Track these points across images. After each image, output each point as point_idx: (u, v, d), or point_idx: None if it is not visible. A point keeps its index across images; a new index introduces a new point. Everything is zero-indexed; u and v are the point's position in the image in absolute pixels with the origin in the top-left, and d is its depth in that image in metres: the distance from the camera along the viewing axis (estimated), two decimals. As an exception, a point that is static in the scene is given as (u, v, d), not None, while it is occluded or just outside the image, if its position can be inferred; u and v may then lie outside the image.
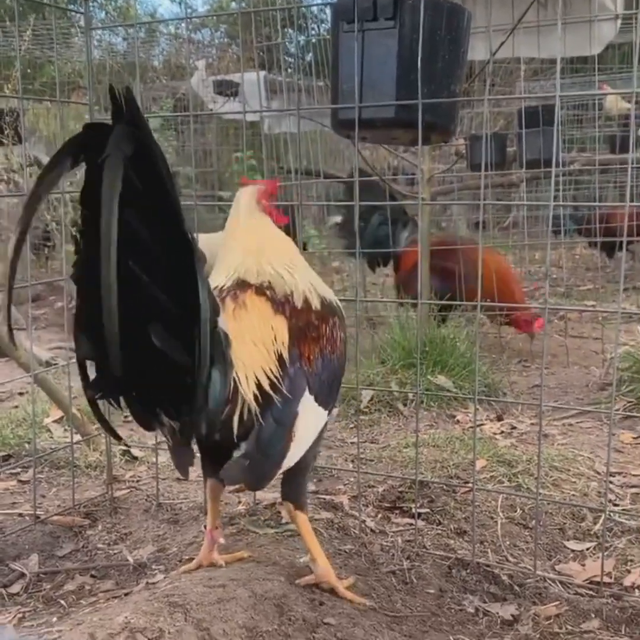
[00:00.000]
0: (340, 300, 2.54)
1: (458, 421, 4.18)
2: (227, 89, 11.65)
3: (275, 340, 2.19)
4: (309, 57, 7.50)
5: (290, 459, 2.15)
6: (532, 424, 4.09)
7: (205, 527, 2.50)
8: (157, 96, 11.66)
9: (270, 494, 3.11)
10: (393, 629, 2.18)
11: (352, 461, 3.52)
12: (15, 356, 3.28)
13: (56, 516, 3.00)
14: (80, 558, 2.74)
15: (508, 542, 2.78)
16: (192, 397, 1.86)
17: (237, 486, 2.30)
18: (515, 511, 2.97)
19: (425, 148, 5.22)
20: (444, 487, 3.14)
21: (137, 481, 3.31)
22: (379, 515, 2.97)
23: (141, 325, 1.75)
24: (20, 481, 3.40)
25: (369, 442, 3.85)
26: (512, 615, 2.37)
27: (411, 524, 2.86)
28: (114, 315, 1.65)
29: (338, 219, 9.21)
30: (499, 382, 4.66)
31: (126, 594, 2.32)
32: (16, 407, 4.37)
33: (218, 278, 2.33)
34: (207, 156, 11.75)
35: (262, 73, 6.68)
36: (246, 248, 2.39)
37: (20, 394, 4.67)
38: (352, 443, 3.79)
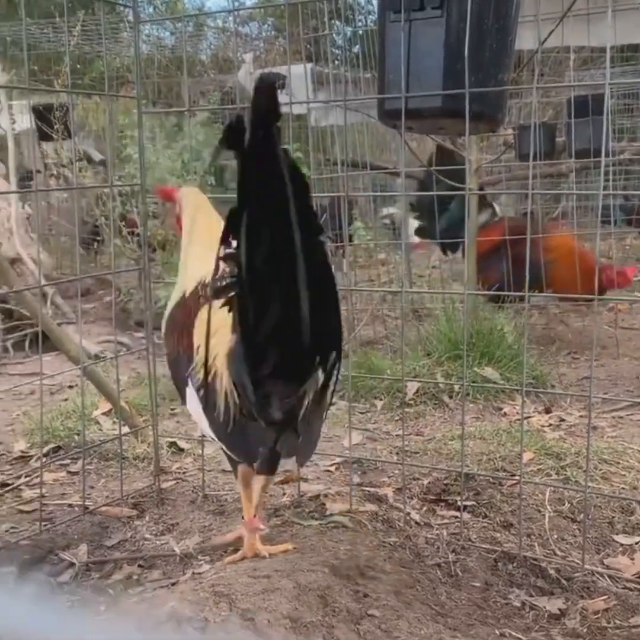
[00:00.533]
0: (386, 291, 2.55)
1: (505, 413, 4.15)
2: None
3: None
4: (356, 48, 7.48)
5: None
6: (581, 416, 4.04)
7: (243, 517, 2.52)
8: (204, 90, 11.71)
9: (314, 486, 3.11)
10: (437, 621, 2.17)
11: (397, 453, 3.51)
12: (65, 349, 3.32)
13: (105, 507, 3.03)
14: (128, 548, 2.76)
15: (555, 536, 2.75)
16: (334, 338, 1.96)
17: (268, 472, 2.29)
18: (563, 504, 2.94)
19: (472, 138, 5.18)
20: (490, 479, 3.12)
21: (184, 473, 3.33)
22: (424, 508, 2.96)
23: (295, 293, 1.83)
24: (69, 472, 3.44)
25: (414, 435, 3.84)
26: (560, 609, 2.35)
27: (457, 517, 2.84)
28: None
29: (392, 210, 9.20)
30: (548, 374, 4.61)
31: (173, 584, 2.34)
32: (66, 399, 4.42)
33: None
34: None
35: (309, 65, 6.67)
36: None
37: (70, 386, 4.73)
38: (397, 435, 3.78)
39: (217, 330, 2.08)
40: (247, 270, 1.83)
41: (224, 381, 2.12)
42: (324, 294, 1.89)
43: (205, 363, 2.16)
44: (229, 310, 1.93)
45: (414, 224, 9.21)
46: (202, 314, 2.31)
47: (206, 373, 2.16)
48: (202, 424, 2.25)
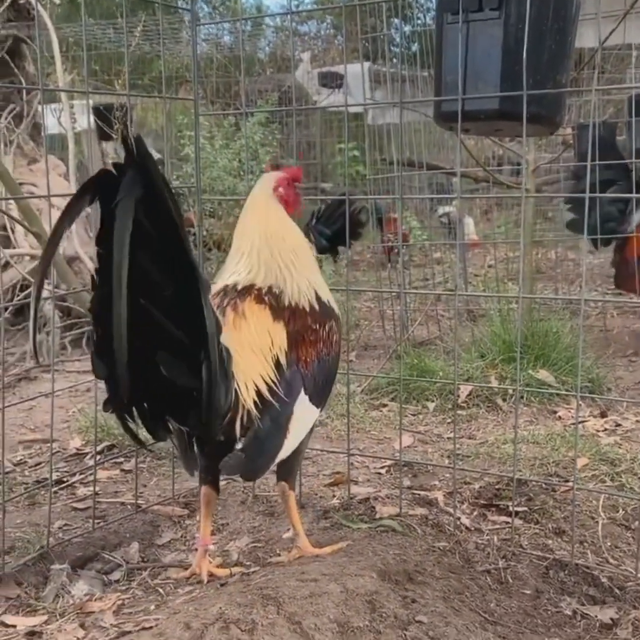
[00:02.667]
0: (440, 292, 2.58)
1: (560, 417, 4.09)
2: (331, 81, 11.68)
3: (273, 346, 2.35)
4: (414, 47, 7.45)
5: (284, 453, 2.34)
6: (637, 421, 3.97)
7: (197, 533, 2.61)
8: (262, 89, 11.77)
9: (364, 488, 3.11)
10: (486, 629, 2.15)
11: (448, 457, 3.50)
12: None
13: (156, 505, 3.06)
14: (178, 547, 2.78)
15: (609, 544, 2.71)
16: (198, 409, 2.10)
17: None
18: (618, 511, 2.90)
19: (530, 138, 5.13)
20: (543, 485, 3.08)
21: (234, 473, 3.35)
22: (475, 513, 2.94)
23: (151, 353, 1.98)
24: (123, 470, 3.48)
25: (466, 438, 3.81)
26: (611, 619, 2.31)
27: (508, 523, 2.81)
28: (123, 348, 1.89)
29: (449, 209, 9.14)
30: (604, 378, 4.53)
31: (222, 585, 2.35)
32: (121, 397, 4.46)
33: (226, 274, 2.50)
34: (311, 148, 11.81)
35: (367, 64, 6.67)
36: (253, 243, 2.49)
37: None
38: (448, 438, 3.76)
39: None
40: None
41: None
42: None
43: None
44: None
45: (470, 223, 9.15)
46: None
47: None
48: None
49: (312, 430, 2.48)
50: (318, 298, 2.49)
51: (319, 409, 2.46)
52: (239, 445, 2.25)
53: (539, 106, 2.61)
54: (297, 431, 2.36)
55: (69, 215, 1.93)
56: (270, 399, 2.28)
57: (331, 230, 5.95)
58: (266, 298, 2.42)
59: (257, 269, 2.46)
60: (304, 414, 2.37)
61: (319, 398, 2.44)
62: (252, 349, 2.31)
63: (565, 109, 2.99)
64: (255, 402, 2.25)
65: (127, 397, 2.00)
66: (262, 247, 2.47)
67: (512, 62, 2.55)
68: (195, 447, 2.30)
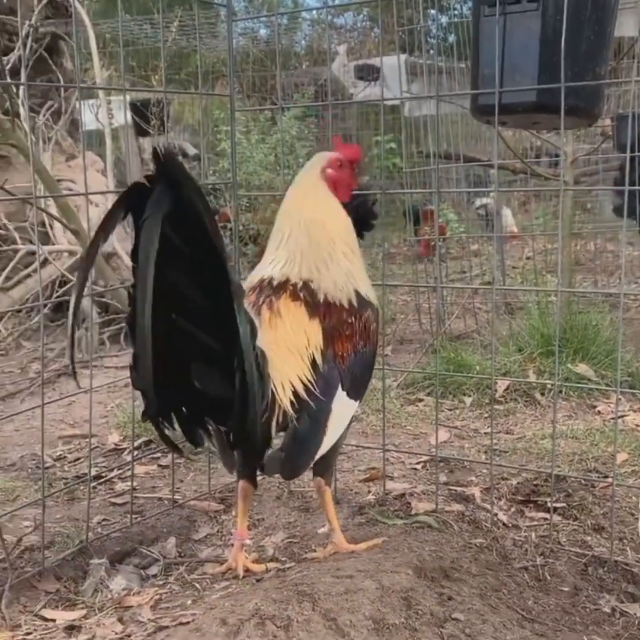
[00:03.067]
0: (477, 286, 2.56)
1: (599, 412, 4.05)
2: (367, 74, 11.65)
3: (309, 344, 2.33)
4: (451, 38, 7.40)
5: (323, 449, 2.34)
6: (678, 416, 3.92)
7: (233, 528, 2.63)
8: (299, 82, 11.76)
9: (399, 484, 3.10)
10: (524, 626, 2.14)
11: (485, 452, 3.47)
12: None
13: (193, 501, 3.07)
14: (214, 542, 2.79)
15: (648, 541, 2.68)
16: (234, 414, 2.12)
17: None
18: (658, 508, 2.87)
19: (569, 129, 5.07)
20: (582, 481, 3.06)
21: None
22: (512, 509, 2.92)
23: (185, 363, 2.03)
24: (160, 466, 3.50)
25: (504, 433, 3.79)
26: (651, 617, 2.29)
27: (546, 519, 2.79)
28: (148, 363, 1.92)
29: (486, 200, 9.07)
30: (644, 372, 4.48)
31: (257, 581, 2.36)
32: (158, 393, 4.48)
33: (267, 260, 2.48)
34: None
35: (403, 56, 6.63)
36: (291, 229, 2.46)
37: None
38: (485, 433, 3.74)
39: None
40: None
41: None
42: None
43: None
44: None
45: (508, 214, 9.06)
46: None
47: None
48: None
49: (350, 424, 2.47)
50: (355, 290, 2.46)
51: (358, 402, 2.45)
52: (275, 441, 2.26)
53: (577, 98, 2.58)
54: (335, 427, 2.35)
55: (104, 230, 1.97)
56: (307, 398, 2.28)
57: None
58: (302, 294, 2.39)
59: (293, 260, 2.43)
60: (341, 409, 2.36)
61: (357, 391, 2.43)
62: (288, 349, 2.30)
63: (604, 100, 2.96)
64: (291, 402, 2.25)
65: (154, 411, 2.04)
66: (300, 235, 2.44)
67: (550, 54, 2.53)
68: (232, 445, 2.31)
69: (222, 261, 1.97)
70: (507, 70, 2.61)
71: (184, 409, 2.11)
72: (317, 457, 2.33)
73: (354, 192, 2.61)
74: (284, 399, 2.24)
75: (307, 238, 2.44)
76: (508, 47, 2.62)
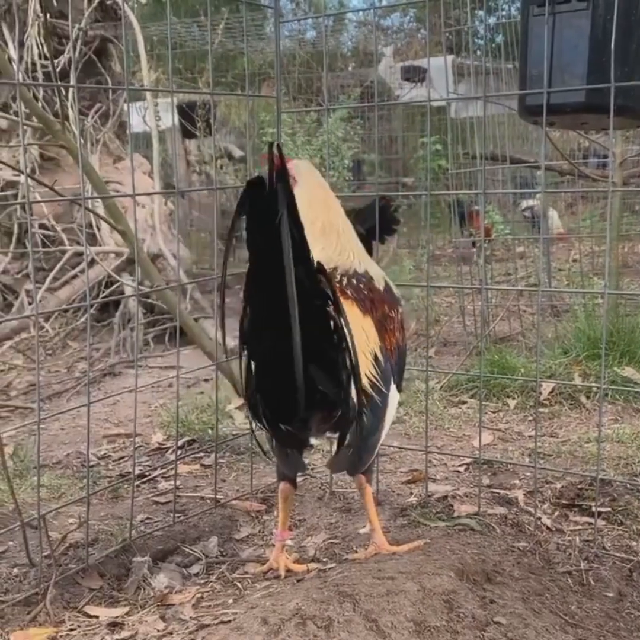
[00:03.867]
0: (522, 288, 2.57)
1: (645, 416, 4.00)
2: (414, 75, 11.61)
3: (369, 340, 2.36)
4: (499, 39, 7.34)
5: (381, 441, 2.40)
6: None
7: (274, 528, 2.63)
8: (345, 84, 11.76)
9: (442, 486, 3.09)
10: (567, 632, 2.11)
11: (529, 455, 3.44)
12: (202, 345, 3.40)
13: (235, 500, 3.08)
14: (256, 542, 2.80)
15: (695, 547, 2.64)
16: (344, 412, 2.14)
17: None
18: None
19: (617, 131, 5.01)
20: (628, 485, 3.02)
21: (312, 469, 3.35)
22: (556, 513, 2.89)
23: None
24: (202, 465, 3.53)
25: (548, 436, 3.75)
26: (696, 624, 2.25)
27: (590, 523, 2.76)
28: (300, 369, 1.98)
29: (532, 202, 8.99)
30: (692, 376, 4.41)
31: (298, 581, 2.36)
32: (201, 393, 4.52)
33: None
34: (393, 143, 11.75)
35: (450, 57, 6.59)
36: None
37: (205, 380, 4.84)
38: (529, 436, 3.70)
39: None
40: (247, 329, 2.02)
41: None
42: (322, 354, 2.02)
43: None
44: None
45: (554, 216, 8.97)
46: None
47: None
48: None
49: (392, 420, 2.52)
50: (385, 283, 2.53)
51: (399, 394, 2.50)
52: (345, 442, 2.25)
53: (626, 98, 2.54)
54: (389, 420, 2.41)
55: (234, 225, 1.97)
56: (374, 394, 2.30)
57: (364, 228, 5.91)
58: (348, 291, 2.41)
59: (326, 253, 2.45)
60: (393, 402, 2.42)
61: (400, 382, 2.50)
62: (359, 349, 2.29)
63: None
64: (360, 400, 2.25)
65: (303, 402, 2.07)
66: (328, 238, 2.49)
67: (600, 54, 2.50)
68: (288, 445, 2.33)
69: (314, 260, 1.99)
70: (556, 70, 2.58)
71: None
72: (377, 449, 2.38)
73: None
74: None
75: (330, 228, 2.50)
76: (557, 47, 2.59)
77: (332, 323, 2.01)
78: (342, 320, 2.02)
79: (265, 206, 1.86)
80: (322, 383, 2.05)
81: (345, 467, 2.39)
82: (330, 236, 2.50)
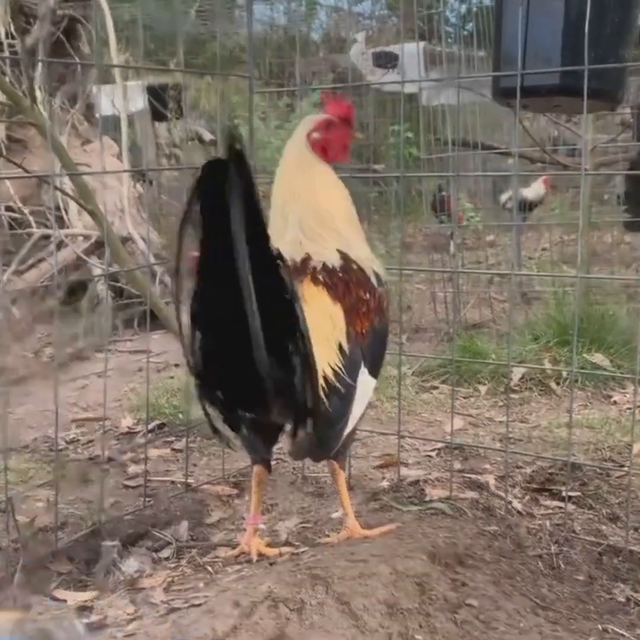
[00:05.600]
0: (496, 272, 2.54)
1: (615, 402, 4.02)
2: (386, 62, 11.57)
3: (334, 328, 2.30)
4: (470, 26, 7.34)
5: (348, 429, 2.31)
6: (696, 407, 3.88)
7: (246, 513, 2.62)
8: (317, 70, 11.69)
9: (414, 471, 3.09)
10: (538, 614, 2.12)
11: (500, 440, 3.45)
12: (173, 327, 3.35)
13: (206, 485, 3.07)
14: (227, 527, 2.78)
15: (664, 530, 2.66)
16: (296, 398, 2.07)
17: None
18: (674, 498, 2.84)
19: (588, 117, 5.04)
20: (597, 470, 3.04)
21: (284, 453, 3.33)
22: (527, 497, 2.90)
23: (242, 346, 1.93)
24: (173, 449, 3.50)
25: (519, 422, 3.77)
26: (666, 607, 2.26)
27: (561, 508, 2.77)
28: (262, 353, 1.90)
29: (510, 193, 8.98)
30: (662, 362, 4.44)
31: (271, 564, 2.34)
32: (172, 377, 4.48)
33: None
34: (364, 129, 11.71)
35: (422, 44, 6.58)
36: (287, 203, 2.39)
37: (176, 365, 4.79)
38: (500, 422, 3.71)
39: None
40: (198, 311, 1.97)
41: None
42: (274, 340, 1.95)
43: None
44: None
45: (533, 186, 8.94)
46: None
47: None
48: None
49: (366, 406, 2.45)
50: (368, 266, 2.45)
51: (375, 381, 2.43)
52: (307, 428, 2.18)
53: (600, 81, 2.56)
54: (359, 407, 2.33)
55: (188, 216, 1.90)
56: (337, 383, 2.24)
57: None
58: (321, 277, 2.36)
59: (296, 237, 2.37)
60: (364, 388, 2.35)
61: (376, 369, 2.41)
62: (316, 339, 2.19)
63: (627, 84, 2.93)
64: (323, 388, 2.21)
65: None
66: (298, 210, 2.38)
67: (574, 36, 2.51)
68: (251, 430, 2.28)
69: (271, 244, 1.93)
70: (530, 53, 2.59)
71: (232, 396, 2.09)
72: (344, 436, 2.30)
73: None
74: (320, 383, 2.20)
75: (305, 212, 2.38)
76: (531, 29, 2.59)
77: (287, 310, 1.96)
78: (297, 307, 1.96)
79: (219, 189, 1.80)
80: (273, 371, 1.98)
81: (306, 455, 2.36)
82: (306, 222, 2.39)
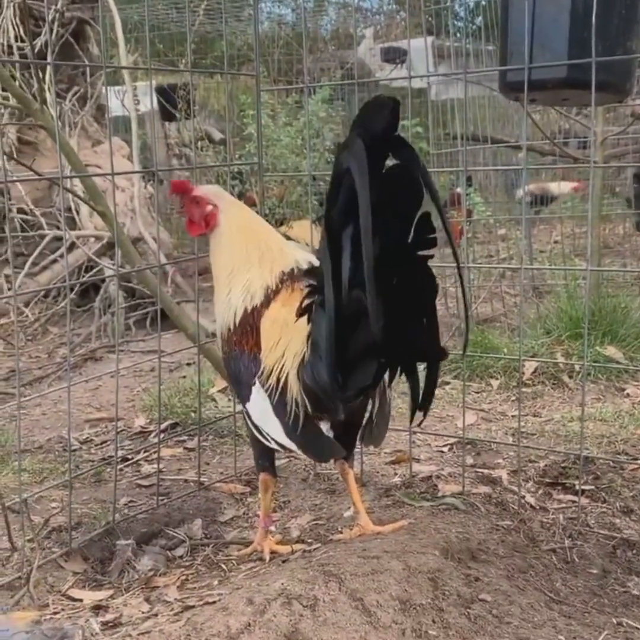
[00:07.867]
0: (506, 266, 2.57)
1: (628, 395, 4.00)
2: (394, 57, 11.56)
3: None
4: (479, 20, 7.32)
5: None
6: None
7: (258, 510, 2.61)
8: (325, 67, 11.68)
9: (426, 466, 3.08)
10: (552, 608, 2.12)
11: (513, 435, 3.44)
12: (184, 328, 3.36)
13: (219, 483, 3.08)
14: (240, 524, 2.80)
15: (678, 523, 2.65)
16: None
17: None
18: (687, 490, 2.83)
19: (598, 109, 5.01)
20: (611, 463, 3.03)
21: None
22: (540, 491, 2.89)
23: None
24: (186, 448, 3.51)
25: (531, 416, 3.75)
26: (680, 600, 2.26)
27: (574, 501, 2.77)
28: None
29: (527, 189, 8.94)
30: (674, 355, 4.42)
31: (283, 561, 2.36)
32: (184, 377, 4.49)
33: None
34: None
35: (430, 39, 6.56)
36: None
37: (188, 364, 4.80)
38: (512, 416, 3.70)
39: (286, 332, 2.26)
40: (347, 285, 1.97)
41: (294, 384, 2.23)
42: (419, 308, 2.04)
43: (275, 365, 2.27)
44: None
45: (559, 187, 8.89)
46: (271, 314, 2.36)
47: (278, 376, 2.26)
48: (268, 426, 2.31)
49: None
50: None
51: None
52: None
53: (607, 73, 2.54)
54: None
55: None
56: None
57: None
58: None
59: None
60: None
61: None
62: None
63: (635, 76, 2.91)
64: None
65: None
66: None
67: (581, 29, 2.49)
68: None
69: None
70: (537, 46, 2.57)
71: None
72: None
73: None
74: None
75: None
76: (538, 22, 2.58)
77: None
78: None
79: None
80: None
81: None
82: (270, 252, 2.48)
